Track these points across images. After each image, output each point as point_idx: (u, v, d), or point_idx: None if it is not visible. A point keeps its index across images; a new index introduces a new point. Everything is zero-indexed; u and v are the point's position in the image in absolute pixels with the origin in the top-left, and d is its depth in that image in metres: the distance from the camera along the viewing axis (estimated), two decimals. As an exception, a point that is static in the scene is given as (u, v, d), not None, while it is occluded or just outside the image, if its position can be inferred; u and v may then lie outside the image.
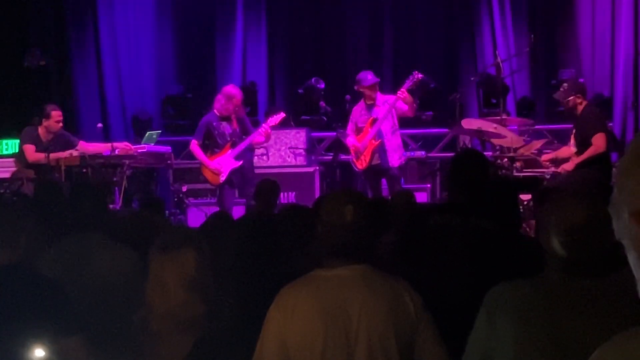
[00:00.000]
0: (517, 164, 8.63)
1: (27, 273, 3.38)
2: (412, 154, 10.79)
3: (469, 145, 10.23)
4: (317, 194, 10.19)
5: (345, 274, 2.90)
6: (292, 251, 4.08)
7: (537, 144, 8.82)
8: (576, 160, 8.10)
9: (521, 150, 8.65)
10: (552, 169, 8.39)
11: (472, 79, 11.69)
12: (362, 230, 2.92)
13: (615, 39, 11.86)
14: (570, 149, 8.37)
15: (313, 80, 12.04)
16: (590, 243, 2.42)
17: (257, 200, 6.60)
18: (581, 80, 10.65)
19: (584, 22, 12.12)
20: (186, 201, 10.53)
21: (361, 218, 2.91)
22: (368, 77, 9.17)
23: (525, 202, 8.31)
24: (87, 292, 3.77)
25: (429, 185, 10.63)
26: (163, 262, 3.07)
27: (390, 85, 10.96)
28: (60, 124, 9.25)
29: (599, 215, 2.42)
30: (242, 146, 9.01)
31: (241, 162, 9.03)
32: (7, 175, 9.28)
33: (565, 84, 8.58)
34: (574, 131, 8.42)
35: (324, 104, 11.89)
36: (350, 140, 9.22)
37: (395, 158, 9.09)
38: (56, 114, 9.22)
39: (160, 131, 11.10)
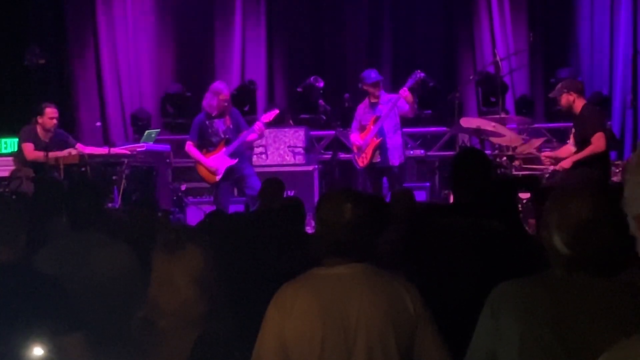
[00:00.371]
0: (516, 163, 8.64)
1: (26, 271, 3.38)
2: (411, 152, 10.80)
3: (468, 144, 10.23)
4: (316, 193, 10.21)
5: (344, 273, 2.90)
6: (292, 250, 4.09)
7: (536, 142, 8.82)
8: (573, 157, 8.09)
9: (520, 149, 8.65)
10: (552, 167, 8.39)
11: (471, 77, 11.70)
12: (361, 229, 2.92)
13: (614, 37, 11.86)
14: (570, 148, 8.37)
15: (312, 78, 12.04)
16: (594, 241, 2.41)
17: (262, 199, 6.60)
18: (579, 79, 10.66)
19: (583, 20, 12.12)
20: (185, 200, 10.54)
21: (360, 216, 2.91)
22: (371, 75, 9.23)
23: (524, 201, 8.32)
24: (86, 290, 3.77)
25: (428, 184, 10.64)
26: (170, 260, 3.08)
27: (389, 83, 10.97)
28: (54, 121, 9.21)
29: (603, 212, 2.41)
30: (236, 144, 9.00)
31: (236, 160, 9.02)
32: (6, 173, 9.28)
33: (560, 83, 8.59)
34: (573, 130, 8.42)
35: (323, 103, 11.90)
36: (353, 137, 9.28)
37: (396, 157, 9.14)
38: (50, 111, 9.20)
39: (159, 130, 11.11)
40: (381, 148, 9.09)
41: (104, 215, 4.33)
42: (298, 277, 2.97)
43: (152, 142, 10.41)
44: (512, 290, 2.52)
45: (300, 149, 11.02)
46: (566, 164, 8.14)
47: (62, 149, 9.18)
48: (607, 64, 11.90)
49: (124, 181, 9.39)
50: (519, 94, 12.08)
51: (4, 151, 10.34)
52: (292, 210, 5.08)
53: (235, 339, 3.07)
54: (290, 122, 11.90)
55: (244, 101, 11.66)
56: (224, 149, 9.02)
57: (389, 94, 9.35)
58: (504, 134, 8.63)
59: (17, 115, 10.76)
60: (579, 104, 8.22)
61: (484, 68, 11.66)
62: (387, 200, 6.57)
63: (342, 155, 11.11)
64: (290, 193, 10.25)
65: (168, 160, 10.44)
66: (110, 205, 8.94)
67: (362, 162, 9.18)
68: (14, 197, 6.51)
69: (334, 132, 11.55)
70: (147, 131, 10.87)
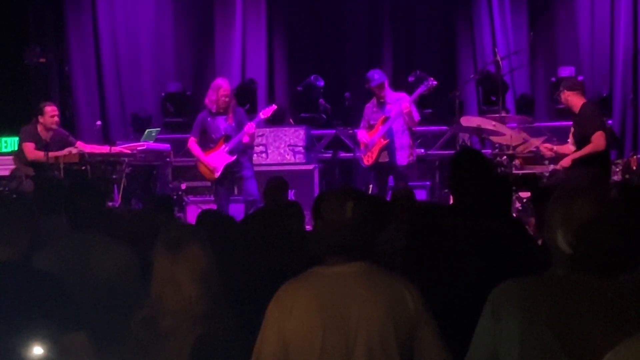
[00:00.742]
0: (516, 162, 8.63)
1: (28, 270, 3.38)
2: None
3: (469, 143, 10.23)
4: (316, 192, 10.20)
5: (344, 271, 2.89)
6: (292, 249, 4.09)
7: (537, 141, 8.81)
8: (573, 156, 8.09)
9: (520, 148, 8.64)
10: (552, 166, 8.38)
11: (471, 76, 11.69)
12: (362, 228, 2.92)
13: (615, 36, 11.86)
14: (570, 147, 8.37)
15: (312, 77, 12.04)
16: (598, 241, 2.41)
17: (265, 198, 6.60)
18: (580, 78, 10.66)
19: (583, 19, 12.11)
20: (185, 199, 10.54)
21: (361, 215, 2.91)
22: (375, 76, 9.21)
23: (524, 200, 8.32)
24: (88, 289, 3.77)
25: (428, 183, 10.64)
26: (173, 258, 3.09)
27: (390, 83, 10.94)
28: (56, 119, 9.21)
29: (606, 212, 2.41)
30: (235, 141, 8.99)
31: (235, 157, 9.01)
32: (6, 173, 9.28)
33: (561, 82, 8.59)
34: (572, 129, 8.42)
35: (323, 102, 11.90)
36: (361, 134, 9.26)
37: (404, 157, 9.10)
38: (50, 110, 9.20)
39: (159, 129, 11.10)
40: (389, 148, 9.08)
41: (106, 215, 4.32)
42: (298, 276, 2.97)
43: (152, 141, 10.41)
44: (513, 290, 2.51)
45: (300, 148, 11.01)
46: (566, 162, 8.14)
47: (62, 147, 9.18)
48: (608, 62, 11.90)
49: (124, 180, 9.39)
50: (520, 93, 12.07)
51: (4, 150, 10.34)
52: (293, 210, 5.08)
53: (236, 338, 3.07)
54: (291, 121, 11.91)
55: (244, 100, 11.64)
56: (223, 146, 9.02)
57: (397, 92, 9.34)
58: (505, 133, 8.63)
59: (17, 114, 10.76)
60: (578, 102, 8.21)
61: (484, 67, 11.65)
62: (388, 198, 6.58)
63: (343, 154, 11.11)
64: (291, 192, 10.26)
65: (168, 159, 10.44)
66: (110, 204, 8.93)
67: (367, 160, 9.17)
68: (14, 196, 6.51)
69: (334, 131, 11.55)
70: (147, 130, 10.87)
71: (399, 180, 9.16)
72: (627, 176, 9.18)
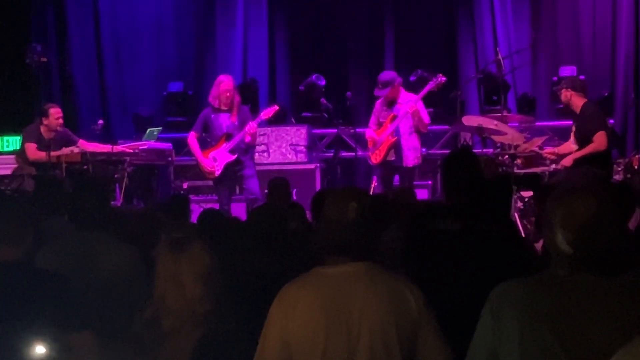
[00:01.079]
0: (518, 161, 8.63)
1: (32, 270, 3.39)
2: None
3: (470, 142, 10.23)
4: (317, 191, 10.18)
5: (347, 271, 2.90)
6: (294, 249, 4.09)
7: (538, 141, 8.81)
8: (575, 155, 8.09)
9: (522, 147, 8.64)
10: (553, 166, 8.38)
11: (473, 75, 11.69)
12: (365, 228, 2.92)
13: (616, 35, 11.86)
14: (571, 146, 8.37)
15: (314, 77, 12.04)
16: (598, 240, 2.41)
17: (269, 198, 6.61)
18: (581, 77, 10.65)
19: (585, 18, 12.11)
20: (187, 198, 10.52)
21: (364, 215, 2.91)
22: (396, 76, 9.15)
23: (526, 199, 8.32)
24: (91, 288, 3.77)
25: (430, 182, 10.63)
26: (177, 258, 3.09)
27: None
28: (61, 121, 9.23)
29: (607, 212, 2.41)
30: (236, 140, 8.97)
31: (236, 156, 8.99)
32: (8, 172, 9.29)
33: (562, 81, 8.59)
34: (573, 128, 8.42)
35: (324, 101, 11.89)
36: (369, 132, 9.24)
37: (411, 158, 9.05)
38: (55, 112, 9.21)
39: (161, 128, 11.11)
40: (396, 147, 9.05)
41: (109, 214, 4.32)
42: (301, 275, 2.97)
43: (154, 140, 10.42)
44: (512, 290, 2.51)
45: (302, 147, 11.02)
46: (567, 162, 8.14)
47: (65, 146, 9.18)
48: (609, 62, 11.89)
49: (125, 179, 9.40)
50: (521, 93, 12.07)
51: (5, 149, 10.35)
52: (295, 211, 5.09)
53: (238, 338, 3.08)
54: (292, 120, 11.91)
55: (246, 99, 11.62)
56: (224, 145, 9.01)
57: (408, 93, 9.31)
58: (506, 132, 8.62)
59: (18, 113, 10.77)
60: (579, 102, 8.21)
61: (486, 66, 11.65)
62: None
63: (344, 154, 11.10)
64: (292, 191, 10.26)
65: (170, 159, 10.44)
66: (112, 203, 8.94)
67: (375, 158, 9.14)
68: (16, 195, 6.52)
69: (335, 130, 11.55)
70: (149, 129, 10.87)
71: (405, 180, 9.14)
72: (629, 175, 9.18)
